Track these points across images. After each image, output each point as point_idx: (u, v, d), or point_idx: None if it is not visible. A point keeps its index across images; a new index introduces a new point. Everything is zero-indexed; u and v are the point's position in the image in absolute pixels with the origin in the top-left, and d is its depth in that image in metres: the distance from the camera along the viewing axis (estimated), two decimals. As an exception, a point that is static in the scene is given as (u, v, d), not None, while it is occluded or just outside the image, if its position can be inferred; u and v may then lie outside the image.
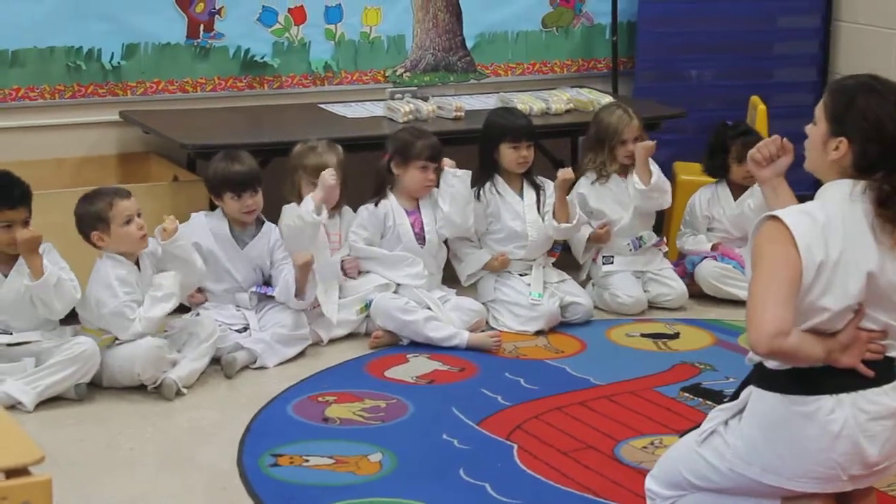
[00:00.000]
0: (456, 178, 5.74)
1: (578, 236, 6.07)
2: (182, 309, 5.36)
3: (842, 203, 3.51)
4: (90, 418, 4.83)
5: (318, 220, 5.49)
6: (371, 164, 5.92)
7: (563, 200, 5.92)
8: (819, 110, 3.59)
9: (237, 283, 5.49)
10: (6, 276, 4.95)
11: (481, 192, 5.95)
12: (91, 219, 5.01)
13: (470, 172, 5.82)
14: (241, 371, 5.27)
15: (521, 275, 5.93)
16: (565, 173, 5.89)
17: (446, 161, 5.77)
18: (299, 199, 5.61)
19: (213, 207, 5.65)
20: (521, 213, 5.95)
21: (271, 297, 5.48)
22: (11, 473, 2.51)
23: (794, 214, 3.50)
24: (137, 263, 5.10)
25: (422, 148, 5.72)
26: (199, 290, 5.46)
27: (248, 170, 5.44)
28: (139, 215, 5.03)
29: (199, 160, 6.05)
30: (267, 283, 5.53)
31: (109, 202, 5.00)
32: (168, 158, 6.24)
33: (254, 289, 5.49)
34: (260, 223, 5.54)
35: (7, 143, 5.99)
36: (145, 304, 5.01)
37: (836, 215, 3.49)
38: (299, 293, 5.40)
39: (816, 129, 3.59)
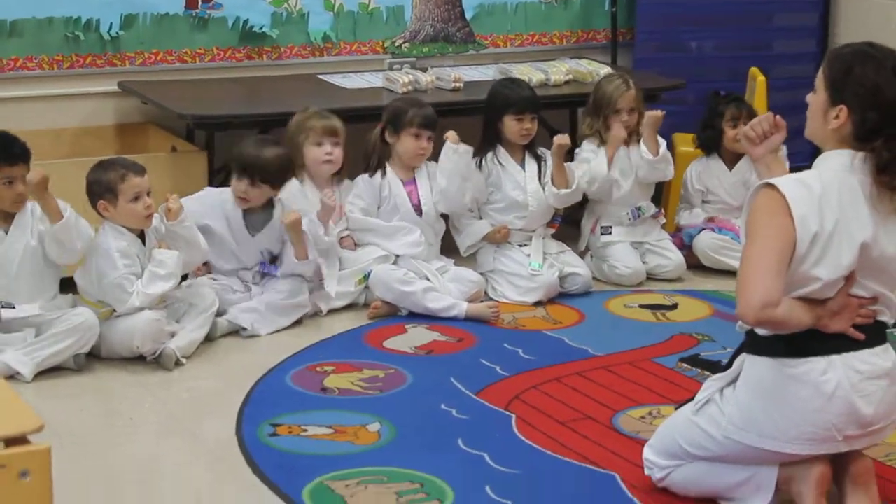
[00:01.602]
0: (456, 154, 5.74)
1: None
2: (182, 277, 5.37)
3: (839, 173, 3.52)
4: (89, 389, 4.84)
5: (334, 240, 5.56)
6: (369, 134, 5.92)
7: (561, 166, 5.92)
8: (819, 79, 3.60)
9: (243, 264, 5.50)
10: (6, 233, 4.96)
11: (483, 161, 5.95)
12: (100, 187, 5.01)
13: (471, 149, 5.82)
14: (240, 341, 5.28)
15: (520, 246, 5.93)
16: (561, 139, 5.90)
17: (450, 135, 5.77)
18: (303, 165, 5.64)
19: (213, 180, 5.68)
20: (522, 184, 5.95)
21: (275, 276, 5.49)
22: (10, 442, 2.51)
23: (790, 184, 3.51)
24: (142, 235, 5.10)
25: (414, 116, 5.73)
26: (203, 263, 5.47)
27: (277, 166, 5.42)
28: (149, 193, 5.03)
29: (198, 131, 6.05)
30: (273, 260, 5.52)
31: (122, 175, 5.00)
32: (166, 129, 6.24)
33: (258, 268, 5.48)
34: (269, 205, 5.52)
35: (5, 114, 5.98)
36: (145, 278, 5.01)
37: (832, 185, 3.50)
38: (299, 256, 5.40)
39: (816, 98, 3.60)
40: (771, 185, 3.50)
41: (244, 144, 5.47)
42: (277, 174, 5.42)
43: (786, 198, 3.46)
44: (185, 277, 5.38)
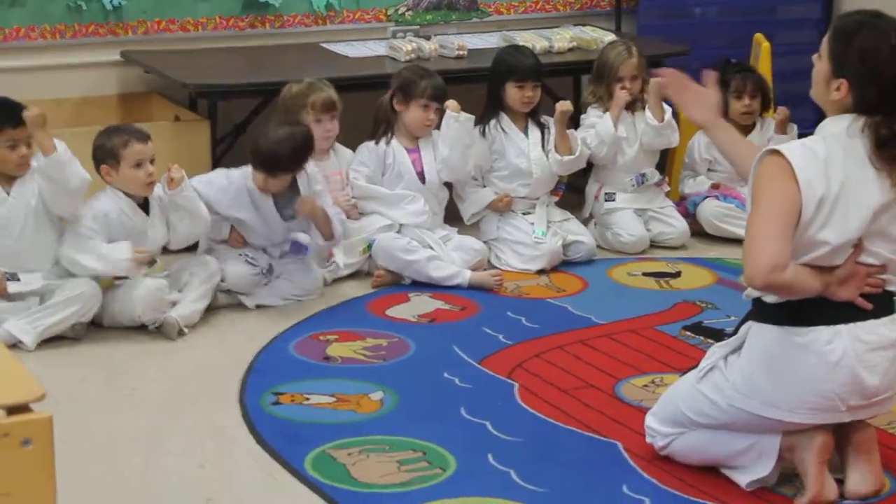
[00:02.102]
0: (457, 123, 5.73)
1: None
2: (188, 248, 5.37)
3: (841, 137, 3.52)
4: (91, 358, 4.85)
5: (339, 213, 5.52)
6: (374, 104, 5.90)
7: (563, 133, 5.91)
8: (823, 46, 3.59)
9: (272, 241, 5.46)
10: (9, 195, 4.96)
11: (486, 128, 5.95)
12: (104, 152, 5.01)
13: (472, 117, 5.81)
14: (243, 311, 5.29)
15: (524, 214, 5.93)
16: (563, 105, 5.89)
17: (450, 103, 5.75)
18: None
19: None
20: (526, 151, 5.94)
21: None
22: (13, 410, 2.52)
23: (795, 149, 3.51)
24: (146, 205, 5.10)
25: (425, 87, 5.71)
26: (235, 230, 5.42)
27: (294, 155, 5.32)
28: (152, 161, 5.02)
29: (201, 100, 6.05)
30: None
31: (125, 141, 5.00)
32: (169, 99, 6.24)
33: (286, 246, 5.42)
34: (294, 185, 5.42)
35: (7, 83, 5.95)
36: (91, 245, 4.97)
37: (836, 149, 3.50)
38: (326, 236, 5.38)
39: (820, 65, 3.60)
40: (776, 152, 3.50)
41: (260, 137, 5.32)
42: (295, 162, 5.31)
43: (791, 163, 3.46)
44: (193, 248, 5.37)
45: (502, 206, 5.92)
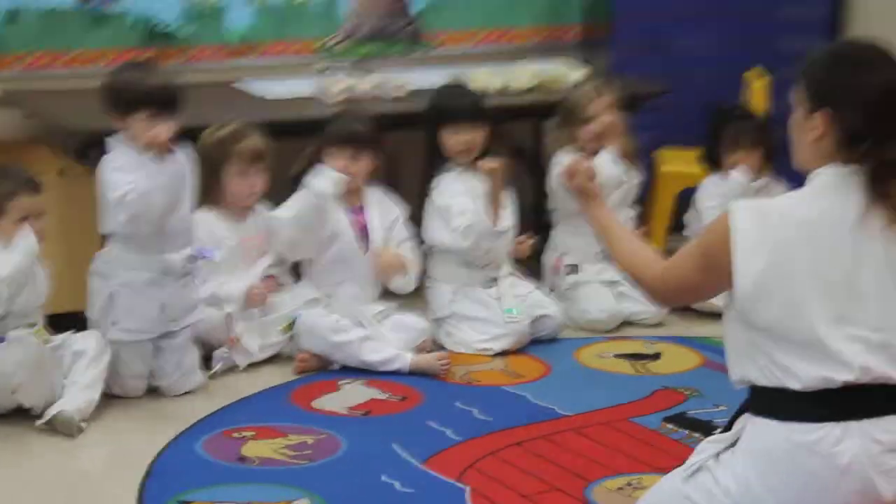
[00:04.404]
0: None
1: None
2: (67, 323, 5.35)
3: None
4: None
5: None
6: (298, 154, 5.92)
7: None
8: (793, 95, 3.66)
9: None
10: None
11: (431, 183, 5.97)
12: None
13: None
14: (138, 401, 5.29)
15: (485, 287, 5.95)
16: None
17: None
18: (224, 195, 5.70)
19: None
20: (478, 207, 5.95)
21: None
22: None
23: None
24: None
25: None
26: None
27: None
28: (41, 215, 5.06)
29: (92, 149, 6.03)
30: None
31: (12, 191, 5.01)
32: (54, 147, 6.22)
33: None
34: None
35: None
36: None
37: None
38: None
39: (794, 116, 3.67)
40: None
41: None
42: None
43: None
44: (75, 323, 5.36)
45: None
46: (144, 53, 6.52)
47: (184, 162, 5.18)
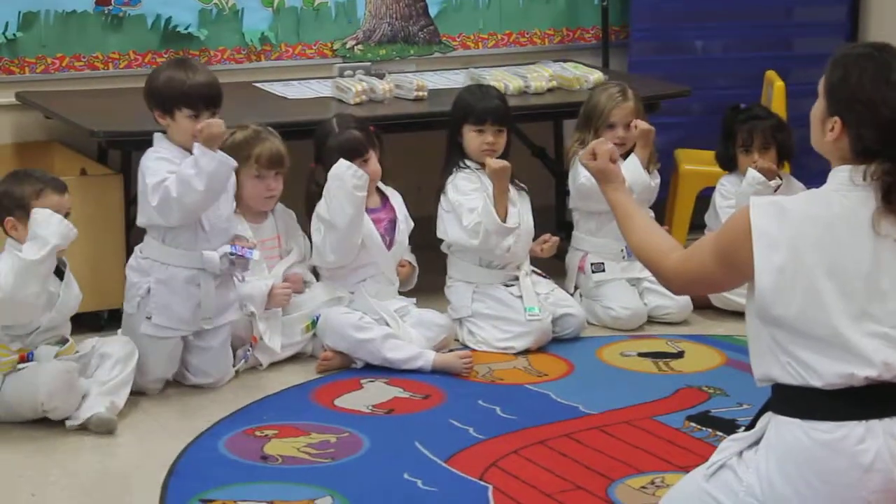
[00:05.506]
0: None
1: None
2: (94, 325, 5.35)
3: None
4: (-20, 457, 4.83)
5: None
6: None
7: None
8: (821, 83, 3.65)
9: None
10: None
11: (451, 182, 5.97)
12: (10, 202, 5.01)
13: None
14: (162, 400, 5.29)
15: (505, 286, 5.94)
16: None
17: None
18: (240, 199, 5.64)
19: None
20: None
21: None
22: None
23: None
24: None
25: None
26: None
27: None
28: (67, 215, 5.04)
29: (112, 150, 6.05)
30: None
31: (38, 191, 5.01)
32: (74, 148, 6.24)
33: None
34: None
35: None
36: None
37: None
38: None
39: (817, 105, 3.66)
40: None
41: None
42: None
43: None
44: (101, 326, 5.37)
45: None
46: (163, 55, 6.52)
47: (226, 160, 5.20)
